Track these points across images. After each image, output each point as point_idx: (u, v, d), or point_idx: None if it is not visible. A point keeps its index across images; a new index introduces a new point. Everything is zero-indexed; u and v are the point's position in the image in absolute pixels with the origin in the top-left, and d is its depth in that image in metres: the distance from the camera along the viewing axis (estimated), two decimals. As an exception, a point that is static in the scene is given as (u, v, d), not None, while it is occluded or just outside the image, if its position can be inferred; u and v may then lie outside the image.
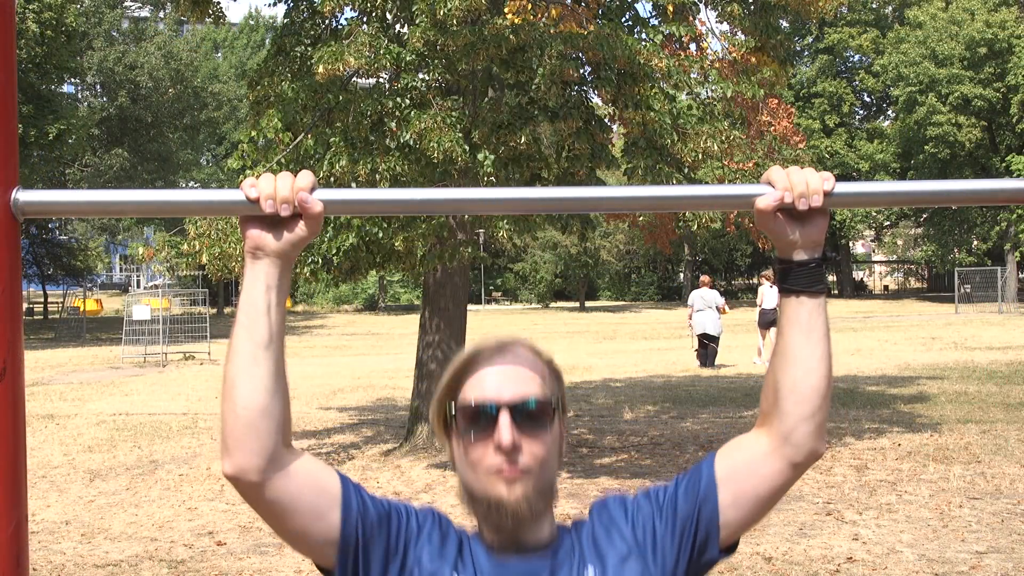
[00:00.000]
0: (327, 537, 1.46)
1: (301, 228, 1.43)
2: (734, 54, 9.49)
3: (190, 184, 48.30)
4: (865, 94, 51.29)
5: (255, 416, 1.44)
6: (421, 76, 8.60)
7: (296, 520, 1.45)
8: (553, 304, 48.16)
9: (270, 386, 1.44)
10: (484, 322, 35.79)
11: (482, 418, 1.47)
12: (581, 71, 9.12)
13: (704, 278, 19.56)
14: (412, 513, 1.53)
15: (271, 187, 1.40)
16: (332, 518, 1.45)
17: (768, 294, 19.05)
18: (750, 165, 10.08)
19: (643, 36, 9.19)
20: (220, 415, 1.43)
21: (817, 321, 1.47)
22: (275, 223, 1.42)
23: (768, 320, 18.75)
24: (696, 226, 9.44)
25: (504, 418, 1.45)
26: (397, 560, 1.48)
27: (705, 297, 18.59)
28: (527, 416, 1.46)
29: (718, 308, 18.45)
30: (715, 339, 18.37)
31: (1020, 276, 42.71)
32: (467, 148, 8.12)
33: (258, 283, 1.44)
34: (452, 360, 1.55)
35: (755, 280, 59.57)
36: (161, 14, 44.46)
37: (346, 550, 1.46)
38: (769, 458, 1.51)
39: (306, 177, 1.41)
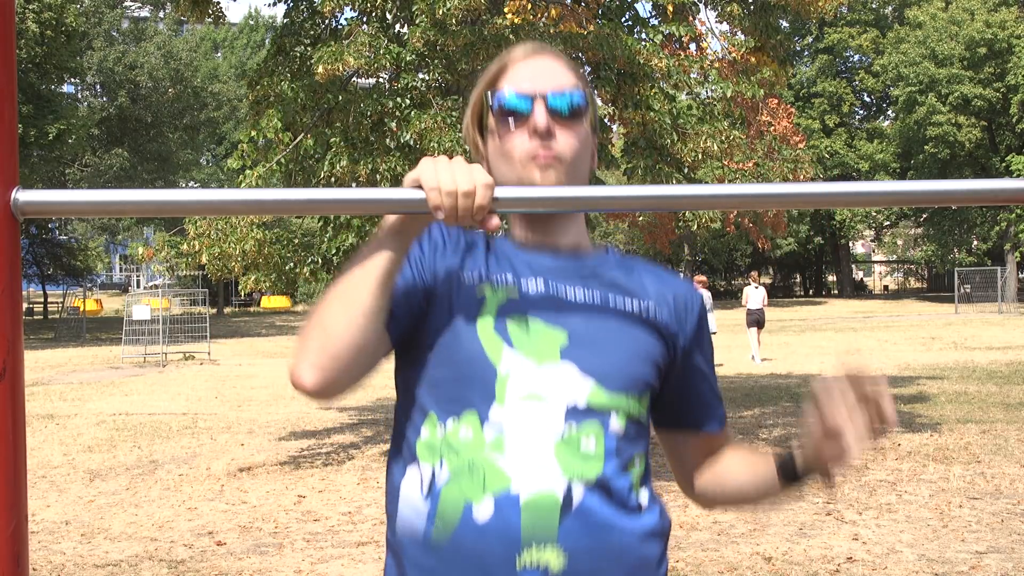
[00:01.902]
0: (420, 305, 1.50)
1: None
2: (734, 54, 9.49)
3: (190, 184, 48.32)
4: (865, 94, 51.31)
5: (364, 349, 1.41)
6: (421, 76, 8.61)
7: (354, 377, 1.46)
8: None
9: (377, 320, 1.42)
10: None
11: (519, 107, 1.52)
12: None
13: (700, 278, 19.73)
14: (423, 252, 1.54)
15: (454, 209, 1.37)
16: (420, 291, 1.50)
17: (753, 295, 19.55)
18: (750, 165, 10.08)
19: (643, 36, 9.19)
20: (325, 323, 1.38)
21: (775, 491, 1.61)
22: None
23: (754, 319, 19.26)
24: (696, 226, 9.45)
25: (540, 105, 1.51)
26: (434, 294, 1.50)
27: None
28: (561, 107, 1.52)
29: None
30: None
31: (1020, 276, 42.73)
32: (467, 148, 8.12)
33: (396, 245, 1.43)
34: (490, 64, 1.61)
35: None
36: (161, 14, 44.47)
37: (402, 339, 1.50)
38: (686, 454, 1.69)
39: (486, 194, 1.37)
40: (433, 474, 1.42)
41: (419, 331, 1.49)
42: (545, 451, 1.39)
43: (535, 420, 1.40)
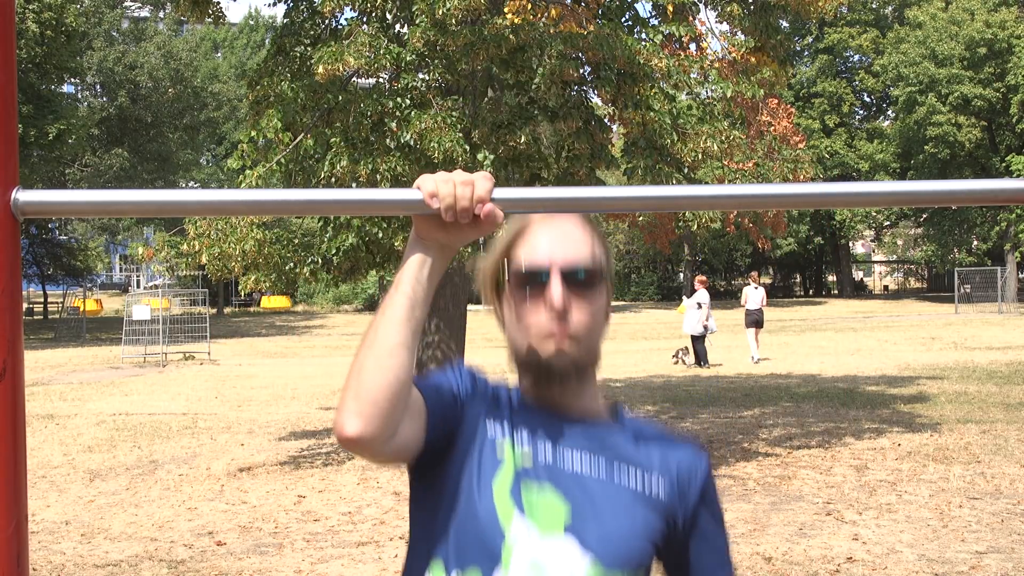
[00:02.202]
0: (416, 450, 1.51)
1: (475, 230, 1.44)
2: (734, 54, 9.49)
3: (190, 184, 48.32)
4: (865, 94, 51.31)
5: (405, 390, 1.43)
6: (421, 76, 8.60)
7: (419, 444, 1.49)
8: (553, 304, 48.07)
9: (412, 365, 1.44)
10: (484, 322, 35.80)
11: (535, 279, 1.53)
12: (581, 71, 9.12)
13: (701, 278, 19.85)
14: (460, 378, 1.58)
15: (452, 197, 1.39)
16: (421, 437, 1.51)
17: (752, 295, 19.74)
18: (750, 165, 10.09)
19: (643, 36, 9.19)
20: (361, 374, 1.40)
21: None
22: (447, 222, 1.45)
23: (753, 319, 19.40)
24: (696, 226, 9.45)
25: (556, 280, 1.51)
26: (461, 427, 1.54)
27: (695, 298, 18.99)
28: (578, 279, 1.52)
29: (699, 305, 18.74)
30: (695, 339, 18.68)
31: (1020, 276, 42.72)
32: (467, 148, 8.12)
33: (424, 268, 1.46)
34: (506, 226, 1.60)
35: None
36: (161, 14, 44.47)
37: (430, 449, 1.52)
38: None
39: (485, 185, 1.40)
40: None
41: (440, 466, 1.54)
42: None
43: None
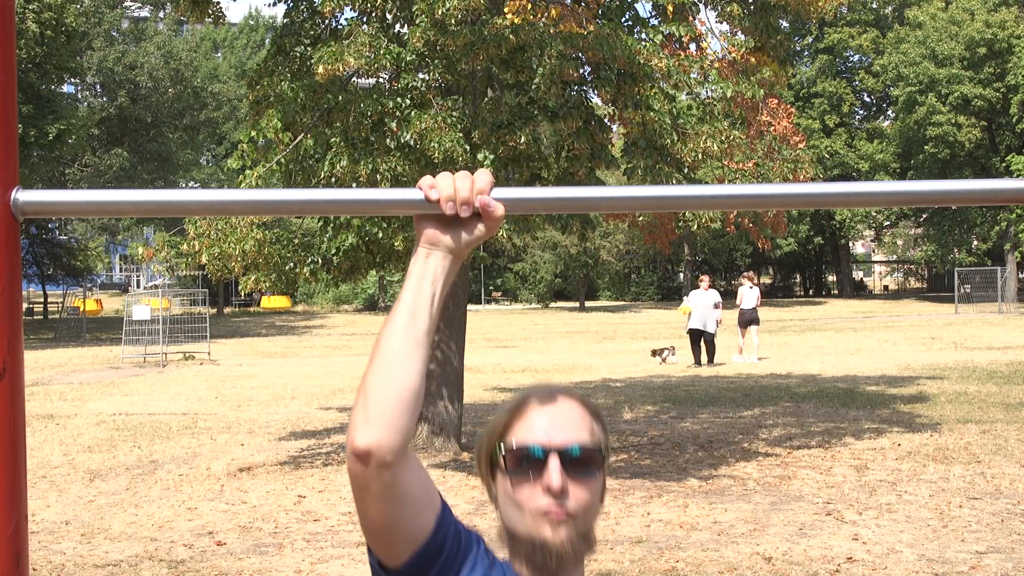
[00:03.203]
0: (414, 536, 1.48)
1: (480, 229, 1.44)
2: (734, 54, 9.49)
3: (190, 184, 48.34)
4: (865, 94, 51.32)
5: (411, 397, 1.42)
6: (421, 76, 8.60)
7: (397, 511, 1.46)
8: (553, 304, 48.17)
9: (423, 373, 1.44)
10: (484, 322, 35.80)
11: (532, 460, 1.51)
12: (581, 71, 9.12)
13: (703, 277, 20.00)
14: (464, 533, 1.57)
15: (451, 188, 1.40)
16: (427, 520, 1.48)
17: (747, 295, 19.89)
18: (750, 165, 10.08)
19: (643, 36, 9.19)
20: (367, 387, 1.40)
21: None
22: (451, 221, 1.43)
23: (747, 319, 19.57)
24: (696, 226, 9.45)
25: (554, 462, 1.50)
26: (454, 566, 1.51)
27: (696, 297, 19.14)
28: (575, 462, 1.52)
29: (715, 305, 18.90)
30: (709, 336, 18.81)
31: (1020, 276, 42.72)
32: (467, 148, 8.12)
33: (429, 275, 1.45)
34: (503, 404, 1.60)
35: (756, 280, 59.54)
36: (161, 14, 44.46)
37: (427, 555, 1.49)
38: None
39: (485, 178, 1.40)
40: None
41: None
42: None
43: None
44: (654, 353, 19.45)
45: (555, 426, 1.53)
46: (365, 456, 1.39)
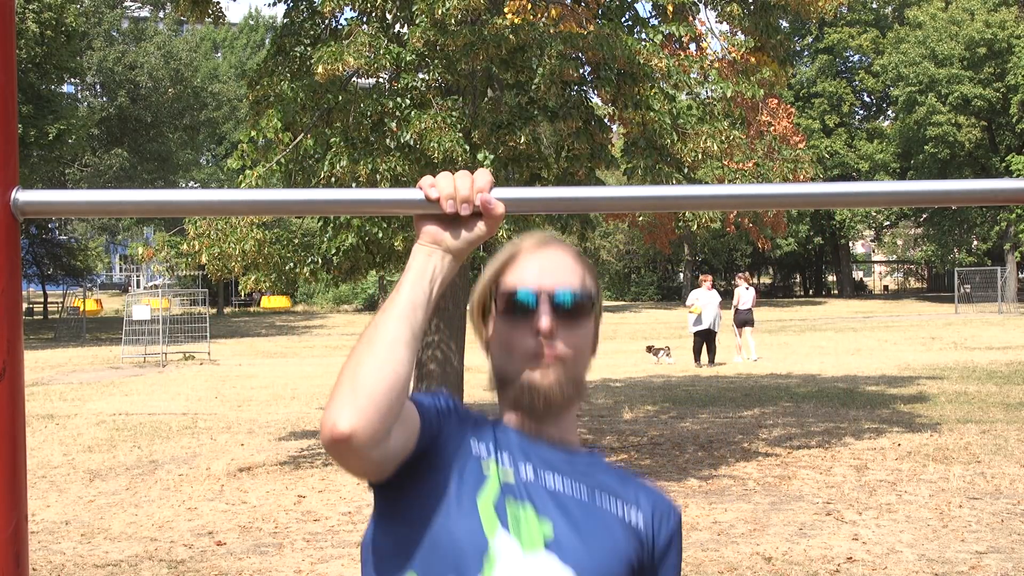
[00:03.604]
0: (398, 462, 1.49)
1: (480, 228, 1.45)
2: (734, 54, 9.49)
3: (190, 184, 48.34)
4: (865, 94, 51.31)
5: (402, 387, 1.42)
6: (421, 76, 8.60)
7: (381, 466, 1.47)
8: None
9: (412, 366, 1.44)
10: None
11: (523, 303, 1.53)
12: (581, 71, 9.12)
13: (704, 277, 20.07)
14: (445, 400, 1.58)
15: (451, 187, 1.41)
16: (411, 445, 1.49)
17: (744, 295, 20.02)
18: (750, 165, 10.09)
19: (643, 36, 9.19)
20: (358, 369, 1.38)
21: None
22: (452, 220, 1.44)
23: (742, 319, 19.70)
24: (696, 226, 9.45)
25: (544, 305, 1.52)
26: (444, 444, 1.53)
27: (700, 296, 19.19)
28: (566, 307, 1.54)
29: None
30: (711, 336, 18.90)
31: (1020, 276, 42.72)
32: (467, 148, 8.12)
33: (427, 273, 1.46)
34: (497, 253, 1.62)
35: (755, 280, 59.59)
36: (161, 14, 44.46)
37: (411, 464, 1.50)
38: None
39: (485, 177, 1.42)
40: None
41: (420, 479, 1.52)
42: None
43: None
44: (649, 349, 19.56)
45: (546, 271, 1.55)
46: (344, 440, 1.37)
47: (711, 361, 18.81)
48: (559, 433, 1.58)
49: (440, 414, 1.54)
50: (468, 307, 1.68)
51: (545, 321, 1.51)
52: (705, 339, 18.84)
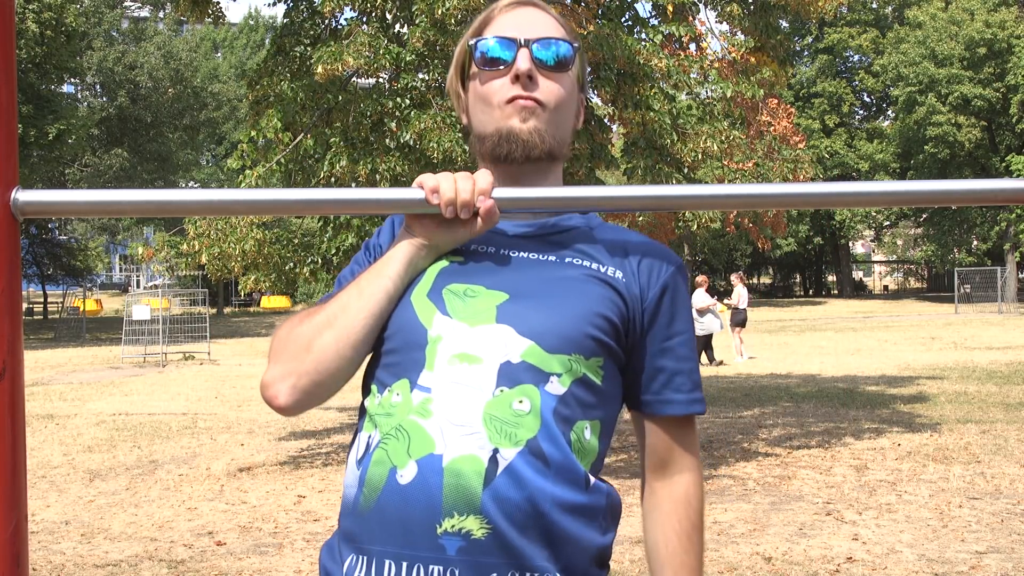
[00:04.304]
0: None
1: (474, 228, 1.41)
2: (734, 54, 9.49)
3: (190, 184, 48.33)
4: (865, 94, 51.32)
5: (344, 376, 1.42)
6: (421, 76, 8.60)
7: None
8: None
9: (364, 352, 1.43)
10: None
11: (501, 53, 1.48)
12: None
13: (700, 278, 20.14)
14: (383, 232, 1.56)
15: (452, 191, 1.38)
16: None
17: (743, 295, 20.25)
18: (750, 165, 10.09)
19: (643, 36, 9.19)
20: (311, 351, 1.38)
21: None
22: (448, 220, 1.41)
23: (740, 319, 19.85)
24: (696, 226, 9.45)
25: (523, 51, 1.47)
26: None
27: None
28: (546, 56, 1.49)
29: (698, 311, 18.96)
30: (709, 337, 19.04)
31: (1020, 276, 42.73)
32: (467, 148, 8.12)
33: (412, 269, 1.44)
34: (477, 17, 1.58)
35: (755, 280, 59.62)
36: (161, 14, 44.46)
37: None
38: (645, 446, 1.53)
39: (486, 178, 1.39)
40: (368, 441, 1.39)
41: None
42: (472, 414, 1.32)
43: (464, 383, 1.33)
44: None
45: (524, 24, 1.50)
46: (281, 411, 1.42)
47: (711, 361, 18.89)
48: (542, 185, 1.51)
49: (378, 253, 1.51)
50: (446, 80, 1.65)
51: (524, 64, 1.45)
52: (707, 341, 18.91)
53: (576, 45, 1.53)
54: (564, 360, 1.36)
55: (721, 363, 18.87)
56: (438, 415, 1.32)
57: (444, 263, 1.45)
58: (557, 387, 1.35)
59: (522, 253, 1.46)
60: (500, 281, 1.41)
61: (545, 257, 1.45)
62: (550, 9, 1.56)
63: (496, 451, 1.31)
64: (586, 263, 1.45)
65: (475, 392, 1.33)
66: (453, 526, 1.29)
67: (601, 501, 1.40)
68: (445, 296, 1.41)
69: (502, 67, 1.47)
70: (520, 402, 1.33)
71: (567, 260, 1.45)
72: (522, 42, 1.47)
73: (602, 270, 1.44)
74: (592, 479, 1.39)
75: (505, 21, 1.51)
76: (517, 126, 1.45)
